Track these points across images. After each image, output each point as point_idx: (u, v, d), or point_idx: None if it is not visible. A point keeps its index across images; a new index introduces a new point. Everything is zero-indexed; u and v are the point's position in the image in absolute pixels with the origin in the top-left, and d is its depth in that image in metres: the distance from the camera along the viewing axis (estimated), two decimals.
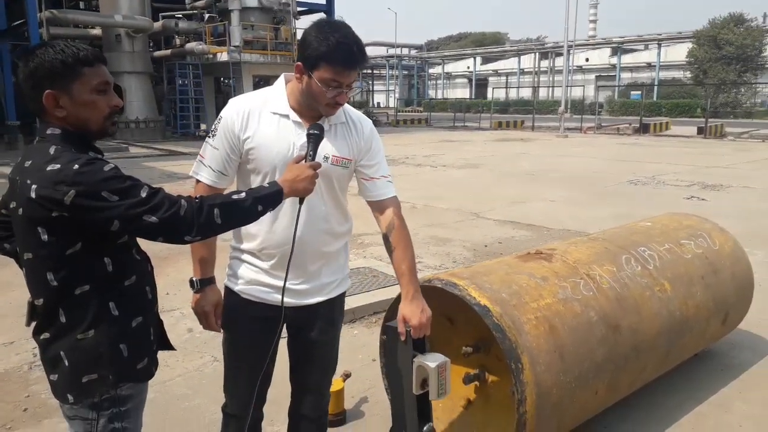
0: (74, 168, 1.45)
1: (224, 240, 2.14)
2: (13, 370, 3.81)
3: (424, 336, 2.06)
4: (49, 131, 1.58)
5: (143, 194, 1.49)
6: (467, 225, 8.29)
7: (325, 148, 1.98)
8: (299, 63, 1.91)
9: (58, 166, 1.47)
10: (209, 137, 2.04)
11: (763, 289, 4.69)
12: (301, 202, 1.86)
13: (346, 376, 3.27)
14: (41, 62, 1.54)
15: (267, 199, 1.69)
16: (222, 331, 2.20)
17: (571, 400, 2.57)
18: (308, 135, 1.87)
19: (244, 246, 2.09)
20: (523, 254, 3.12)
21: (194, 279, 2.12)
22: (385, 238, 2.11)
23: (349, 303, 4.77)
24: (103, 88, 1.60)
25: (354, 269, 5.66)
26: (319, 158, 1.92)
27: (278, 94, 2.01)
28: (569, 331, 2.59)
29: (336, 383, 2.99)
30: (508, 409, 2.57)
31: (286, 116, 1.98)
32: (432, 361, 2.03)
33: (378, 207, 2.13)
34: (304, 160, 1.83)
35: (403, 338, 2.06)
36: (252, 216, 1.70)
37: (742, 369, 3.79)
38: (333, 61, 1.83)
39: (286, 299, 2.01)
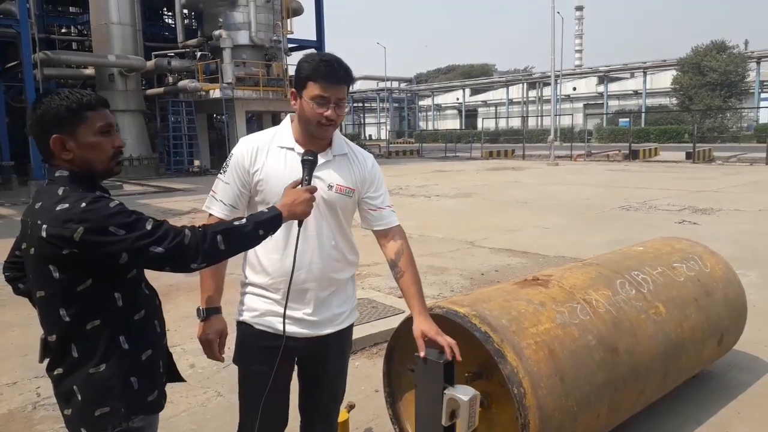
0: (82, 206, 1.53)
1: (230, 274, 2.22)
2: (17, 410, 3.81)
3: (453, 369, 2.12)
4: (57, 174, 1.66)
5: (148, 227, 1.57)
6: (463, 254, 8.37)
7: (330, 177, 2.11)
8: (293, 90, 2.07)
9: (67, 205, 1.55)
10: (221, 173, 2.16)
11: (758, 310, 4.77)
12: (299, 225, 1.93)
13: (351, 407, 3.29)
14: (48, 109, 1.64)
15: (267, 224, 1.76)
16: (238, 370, 2.24)
17: (574, 424, 2.61)
18: (303, 161, 1.98)
19: (255, 279, 2.16)
20: (521, 281, 3.20)
21: (201, 308, 2.19)
22: (393, 263, 2.23)
23: None
24: (106, 130, 1.70)
25: None
26: (323, 187, 2.06)
27: (284, 130, 2.15)
28: (569, 355, 2.65)
29: (341, 414, 3.02)
30: None
31: (292, 149, 2.10)
32: (464, 394, 2.08)
33: (385, 235, 2.25)
34: (300, 185, 1.92)
35: (422, 354, 2.13)
36: (254, 240, 1.76)
37: (740, 390, 3.84)
38: (317, 78, 1.97)
39: (298, 329, 2.09)
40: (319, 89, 1.98)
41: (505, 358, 2.46)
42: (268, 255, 2.11)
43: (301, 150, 2.08)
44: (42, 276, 1.61)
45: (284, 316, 2.02)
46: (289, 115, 2.19)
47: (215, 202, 2.14)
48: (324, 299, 2.17)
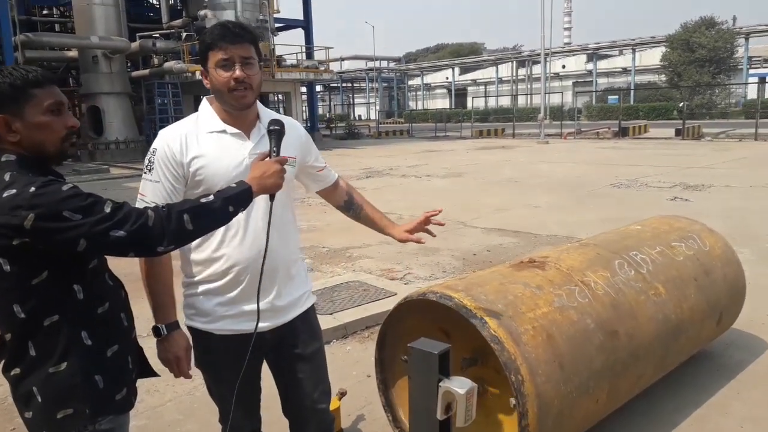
0: (31, 191, 1.40)
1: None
2: None
3: (448, 360, 2.03)
4: (3, 158, 1.51)
5: (107, 209, 1.44)
6: (454, 234, 8.27)
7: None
8: (201, 69, 1.95)
9: (14, 191, 1.41)
10: (145, 173, 1.95)
11: (753, 287, 4.70)
12: (271, 199, 1.79)
13: (342, 394, 3.20)
14: None
15: (236, 199, 1.63)
16: (203, 373, 2.14)
17: (573, 410, 2.53)
18: (269, 131, 1.83)
19: (206, 275, 1.97)
20: (516, 263, 3.10)
21: (159, 326, 1.96)
22: (348, 204, 2.34)
23: (341, 318, 4.71)
24: (56, 108, 1.55)
25: (344, 283, 5.59)
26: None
27: (206, 114, 2.00)
28: (567, 340, 2.56)
29: (332, 402, 2.92)
30: (509, 422, 2.53)
31: (223, 131, 1.96)
32: (460, 386, 1.97)
33: (332, 188, 2.32)
34: (268, 157, 1.78)
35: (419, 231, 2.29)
36: (224, 218, 1.63)
37: (739, 369, 3.79)
38: (215, 42, 1.88)
39: (263, 323, 1.94)
40: (220, 53, 1.87)
41: (502, 345, 2.36)
42: (223, 241, 1.94)
43: (234, 130, 1.96)
44: None
45: (258, 308, 1.84)
46: (205, 99, 2.04)
47: (146, 205, 1.88)
48: (286, 282, 2.06)
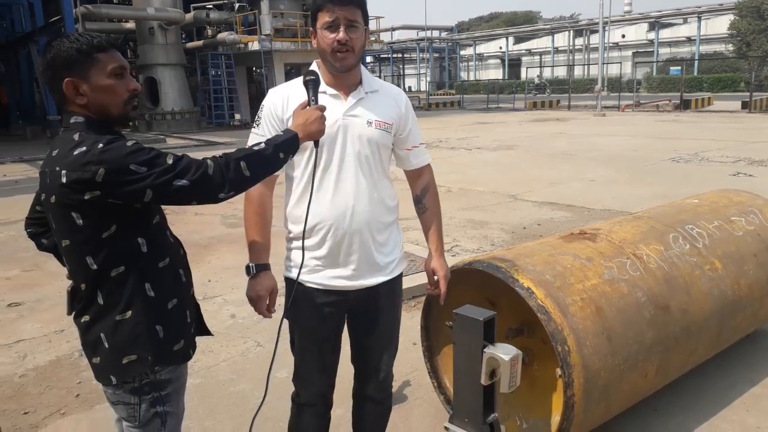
0: (99, 147, 1.49)
1: (275, 226, 2.15)
2: (65, 357, 3.93)
3: (493, 326, 2.05)
4: (72, 120, 1.62)
5: (170, 161, 1.53)
6: (504, 207, 8.19)
7: (367, 114, 2.06)
8: (311, 29, 2.02)
9: (84, 148, 1.50)
10: (254, 127, 2.11)
11: None
12: (316, 145, 1.91)
13: None
14: (58, 52, 1.59)
15: (285, 145, 1.74)
16: (289, 325, 2.21)
17: (620, 383, 2.51)
18: (305, 82, 1.95)
19: (298, 231, 2.07)
20: (567, 235, 3.06)
21: (250, 264, 2.12)
22: (418, 199, 2.31)
23: None
24: (119, 72, 1.64)
25: None
26: (362, 124, 2.03)
27: None
28: (616, 313, 2.52)
29: None
30: (555, 392, 2.53)
31: (324, 92, 2.03)
32: (505, 353, 1.99)
33: (415, 173, 2.29)
34: (308, 106, 1.89)
35: (431, 288, 2.34)
36: (276, 164, 1.75)
37: None
38: (321, 4, 1.94)
39: (347, 282, 2.08)
40: (327, 15, 1.93)
41: (549, 315, 2.35)
42: (309, 203, 2.03)
43: (333, 91, 2.05)
44: (66, 225, 1.58)
45: (302, 252, 2.04)
46: (315, 62, 2.11)
47: None
48: (371, 247, 2.10)
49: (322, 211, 2.03)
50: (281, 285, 2.16)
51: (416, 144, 2.24)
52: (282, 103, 2.05)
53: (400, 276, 2.27)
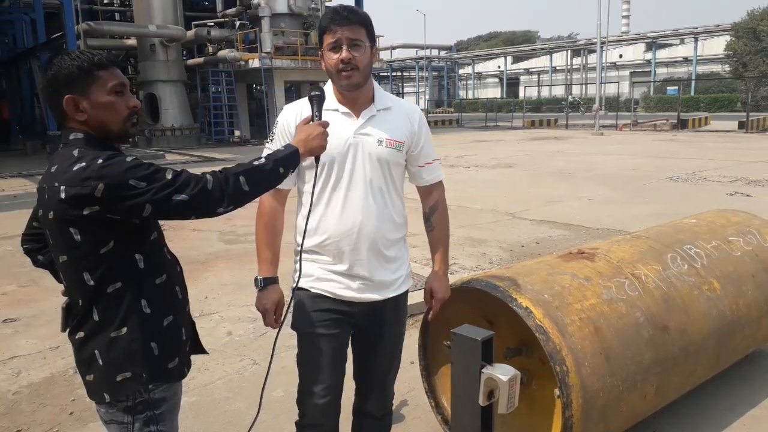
0: (98, 163, 1.50)
1: (287, 243, 2.16)
2: (59, 374, 3.89)
3: (491, 347, 2.05)
4: (72, 136, 1.62)
5: (169, 176, 1.54)
6: (503, 225, 8.19)
7: (378, 132, 2.08)
8: (320, 52, 2.07)
9: (83, 164, 1.51)
10: (268, 141, 2.15)
11: None
12: (317, 161, 1.93)
13: None
14: (59, 70, 1.60)
15: (285, 160, 1.74)
16: (297, 336, 2.20)
17: (619, 404, 2.49)
18: (310, 98, 1.98)
19: (308, 244, 2.11)
20: (565, 254, 3.05)
21: (258, 277, 2.17)
22: (427, 217, 2.32)
23: None
24: (119, 89, 1.65)
25: None
26: (373, 142, 2.05)
27: (327, 94, 2.10)
28: (615, 333, 2.51)
29: None
30: (553, 413, 2.51)
31: (336, 110, 2.07)
32: (503, 374, 1.97)
33: (426, 190, 2.32)
34: (311, 122, 1.91)
35: (428, 306, 2.36)
36: (275, 178, 1.74)
37: None
38: (326, 26, 1.99)
39: (354, 294, 2.10)
40: (330, 36, 1.98)
41: (548, 335, 2.34)
42: (326, 215, 2.07)
43: (345, 110, 2.08)
44: (64, 240, 1.57)
45: (300, 256, 2.09)
46: (329, 81, 2.15)
47: None
48: (378, 263, 2.12)
49: (331, 227, 2.07)
50: (288, 297, 2.18)
51: (429, 160, 2.26)
52: (295, 119, 2.08)
53: (406, 293, 2.28)
